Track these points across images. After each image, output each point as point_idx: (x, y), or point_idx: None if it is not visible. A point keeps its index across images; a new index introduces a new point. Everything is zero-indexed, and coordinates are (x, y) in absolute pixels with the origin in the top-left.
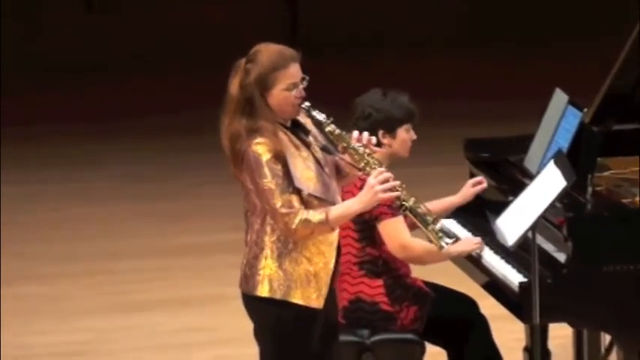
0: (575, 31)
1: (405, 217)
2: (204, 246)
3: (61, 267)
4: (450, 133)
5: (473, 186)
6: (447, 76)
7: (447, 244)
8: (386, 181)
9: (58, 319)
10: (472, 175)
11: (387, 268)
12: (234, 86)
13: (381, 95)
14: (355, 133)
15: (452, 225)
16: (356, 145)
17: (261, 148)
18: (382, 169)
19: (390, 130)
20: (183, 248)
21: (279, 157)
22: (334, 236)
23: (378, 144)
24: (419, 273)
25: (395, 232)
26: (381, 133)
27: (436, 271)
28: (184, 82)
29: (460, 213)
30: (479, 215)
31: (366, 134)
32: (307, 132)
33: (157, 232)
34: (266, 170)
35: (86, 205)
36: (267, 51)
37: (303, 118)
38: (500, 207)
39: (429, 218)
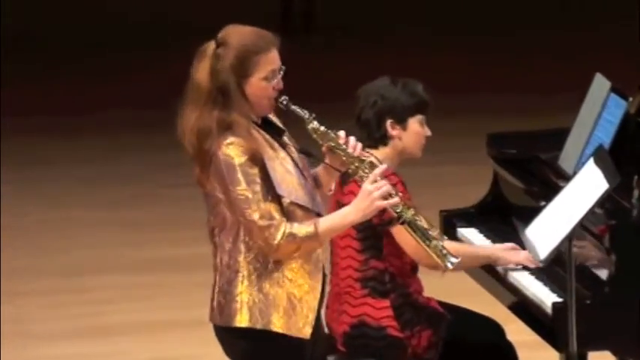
0: (574, 22)
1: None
2: (183, 260)
3: (15, 284)
4: (468, 128)
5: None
6: (452, 71)
7: (452, 264)
8: (382, 186)
9: (14, 347)
10: (496, 176)
11: (395, 284)
12: (201, 74)
13: (390, 83)
14: (342, 133)
15: (472, 235)
16: (344, 145)
17: (233, 150)
18: (378, 172)
19: (400, 120)
20: (159, 262)
21: (256, 160)
22: (319, 253)
23: (386, 137)
24: (433, 292)
25: None
26: (389, 122)
27: (453, 289)
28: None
29: (482, 221)
30: (504, 223)
31: (352, 138)
32: (281, 131)
33: (128, 243)
34: (240, 176)
35: (43, 210)
36: (243, 33)
37: (272, 117)
38: (529, 214)
39: (432, 233)
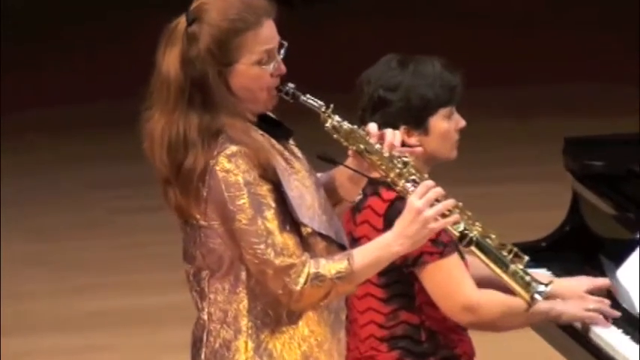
0: None
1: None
2: (144, 313)
3: None
4: (534, 129)
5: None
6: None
7: (540, 294)
8: (437, 199)
9: None
10: (576, 198)
11: (436, 344)
12: (170, 63)
13: (397, 64)
14: (373, 127)
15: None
16: (378, 145)
17: (237, 163)
18: (430, 182)
19: (418, 123)
20: (109, 316)
21: (267, 175)
22: (339, 300)
23: (402, 146)
24: (486, 357)
25: (451, 284)
26: (403, 129)
27: (514, 352)
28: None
29: (556, 259)
30: (586, 263)
31: (390, 132)
32: (289, 132)
33: (65, 289)
34: (247, 199)
35: None
36: (222, 1)
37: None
38: (622, 249)
39: (507, 254)
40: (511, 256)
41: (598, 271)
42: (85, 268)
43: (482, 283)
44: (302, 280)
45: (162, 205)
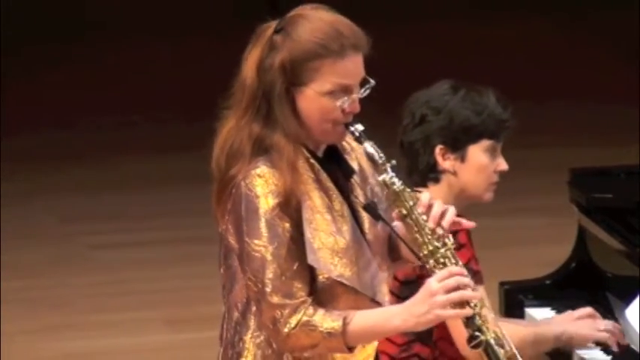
0: None
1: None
2: (119, 354)
3: None
4: (540, 159)
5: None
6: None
7: None
8: (457, 288)
9: None
10: (583, 233)
11: None
12: (249, 66)
13: (449, 89)
14: (425, 197)
15: (548, 315)
16: (423, 216)
17: (262, 186)
18: (456, 268)
19: (455, 146)
20: (83, 358)
21: (290, 207)
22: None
23: (435, 169)
24: None
25: None
26: (439, 149)
27: None
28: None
29: (560, 297)
30: (593, 301)
31: (438, 204)
32: (351, 171)
33: (33, 330)
34: (262, 224)
35: None
36: (317, 22)
37: (349, 143)
38: (631, 287)
39: None
40: None
41: (605, 309)
42: (62, 306)
43: None
44: (293, 322)
45: (144, 239)
